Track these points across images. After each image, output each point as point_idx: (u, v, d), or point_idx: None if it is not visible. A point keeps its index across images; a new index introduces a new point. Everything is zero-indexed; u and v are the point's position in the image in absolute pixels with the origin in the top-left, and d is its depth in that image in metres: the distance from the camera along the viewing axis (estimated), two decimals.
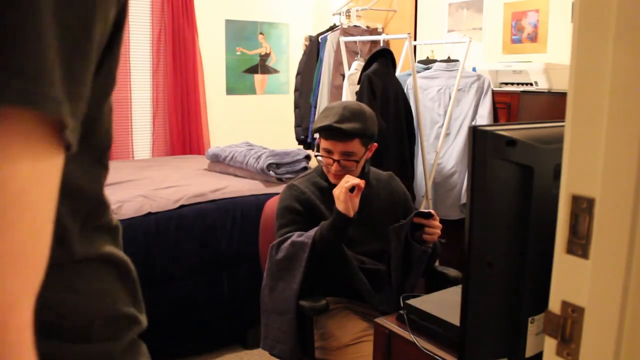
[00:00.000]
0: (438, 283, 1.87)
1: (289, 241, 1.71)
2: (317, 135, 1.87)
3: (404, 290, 1.73)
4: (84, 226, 0.56)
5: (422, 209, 1.74)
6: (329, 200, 1.80)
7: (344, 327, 1.72)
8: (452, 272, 1.89)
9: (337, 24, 4.06)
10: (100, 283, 0.58)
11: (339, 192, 1.68)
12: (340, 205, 1.66)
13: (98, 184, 0.58)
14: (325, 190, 1.83)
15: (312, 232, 1.69)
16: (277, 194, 1.96)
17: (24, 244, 0.41)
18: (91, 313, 0.56)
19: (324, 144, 1.81)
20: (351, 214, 1.66)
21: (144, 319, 0.64)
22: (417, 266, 1.73)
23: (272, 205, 2.01)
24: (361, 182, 1.67)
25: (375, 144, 1.87)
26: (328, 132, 1.76)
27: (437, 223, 1.73)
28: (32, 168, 0.42)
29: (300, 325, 1.70)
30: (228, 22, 4.58)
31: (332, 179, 1.84)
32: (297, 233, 1.72)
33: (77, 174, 0.53)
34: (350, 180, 1.67)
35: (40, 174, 0.43)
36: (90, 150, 0.54)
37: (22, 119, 0.41)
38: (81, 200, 0.55)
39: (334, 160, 1.79)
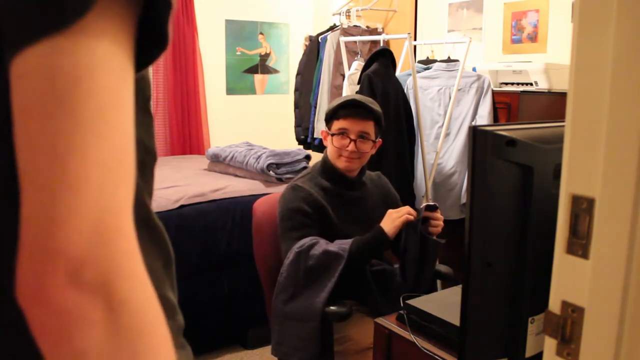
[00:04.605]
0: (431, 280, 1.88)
1: (320, 249, 1.64)
2: (319, 134, 1.87)
3: (420, 285, 1.73)
4: (147, 183, 0.51)
5: (429, 203, 1.75)
6: (334, 200, 1.79)
7: (362, 331, 1.69)
8: (443, 268, 1.90)
9: (337, 24, 4.05)
10: (152, 258, 0.53)
11: (397, 215, 1.67)
12: (391, 229, 1.65)
13: (147, 134, 0.53)
14: (329, 190, 1.80)
15: (345, 244, 1.65)
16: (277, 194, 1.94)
17: (124, 150, 0.39)
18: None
19: (340, 123, 1.77)
20: (392, 237, 1.67)
21: (181, 315, 0.57)
22: (432, 258, 1.73)
23: (261, 208, 1.94)
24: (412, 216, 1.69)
25: (381, 140, 1.88)
26: (350, 108, 1.75)
27: (440, 215, 1.75)
28: (126, 74, 0.39)
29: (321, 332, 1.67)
30: (228, 22, 4.58)
31: (342, 164, 1.79)
32: (323, 241, 1.68)
33: None
34: (410, 212, 1.68)
35: (130, 81, 0.40)
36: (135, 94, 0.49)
37: (129, 11, 0.39)
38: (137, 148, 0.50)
39: (350, 140, 1.76)
